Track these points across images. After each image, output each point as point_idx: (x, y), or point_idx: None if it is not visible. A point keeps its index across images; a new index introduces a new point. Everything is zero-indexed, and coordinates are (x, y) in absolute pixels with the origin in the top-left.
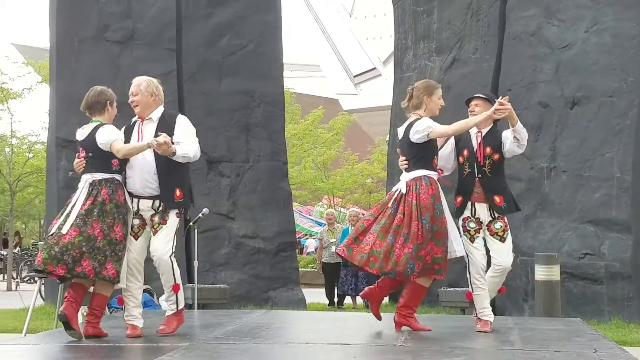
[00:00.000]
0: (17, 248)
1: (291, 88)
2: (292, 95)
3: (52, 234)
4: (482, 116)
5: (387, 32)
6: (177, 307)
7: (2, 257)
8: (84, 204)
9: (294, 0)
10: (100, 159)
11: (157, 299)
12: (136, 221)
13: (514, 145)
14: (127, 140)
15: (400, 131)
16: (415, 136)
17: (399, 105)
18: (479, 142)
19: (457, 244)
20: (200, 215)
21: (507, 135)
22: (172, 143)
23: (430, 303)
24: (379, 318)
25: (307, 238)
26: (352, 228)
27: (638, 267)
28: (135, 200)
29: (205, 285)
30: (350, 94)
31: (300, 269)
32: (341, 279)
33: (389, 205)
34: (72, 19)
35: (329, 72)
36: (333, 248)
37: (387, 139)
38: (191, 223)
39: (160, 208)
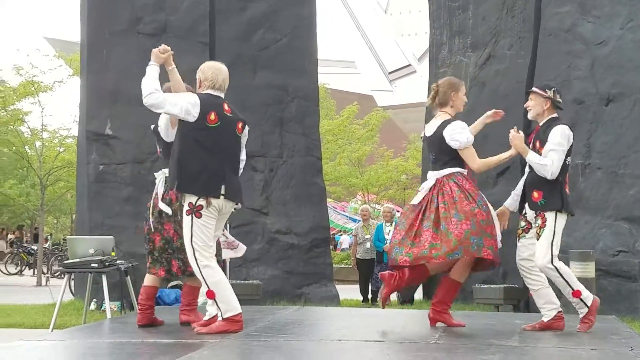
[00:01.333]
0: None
1: (326, 84)
2: (327, 91)
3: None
4: (505, 155)
5: (422, 29)
6: (220, 315)
7: (32, 251)
8: None
9: None
10: None
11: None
12: None
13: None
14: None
15: (430, 129)
16: (454, 143)
17: None
18: (531, 137)
19: None
20: (233, 210)
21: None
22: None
23: (465, 300)
24: (383, 306)
25: (341, 234)
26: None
27: None
28: None
29: (238, 281)
30: (385, 91)
31: (334, 265)
32: (375, 276)
33: (431, 200)
34: (103, 12)
35: (363, 68)
36: (368, 244)
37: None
38: None
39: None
